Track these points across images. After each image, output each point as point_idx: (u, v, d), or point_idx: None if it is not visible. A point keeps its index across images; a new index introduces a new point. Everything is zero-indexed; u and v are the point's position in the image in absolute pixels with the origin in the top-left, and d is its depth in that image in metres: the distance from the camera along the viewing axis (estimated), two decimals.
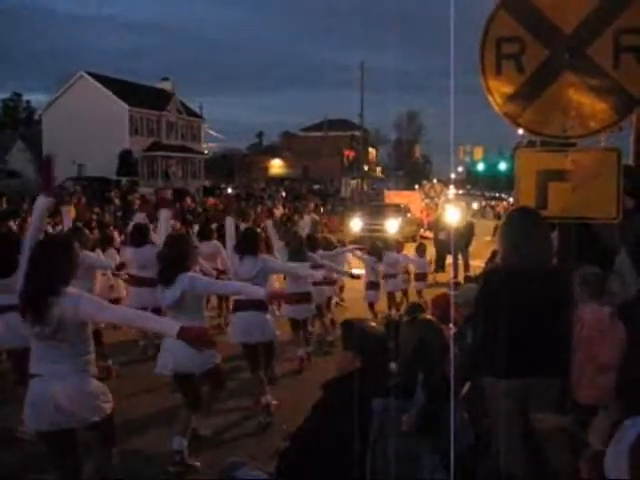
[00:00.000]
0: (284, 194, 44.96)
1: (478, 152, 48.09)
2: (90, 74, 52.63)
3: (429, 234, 26.83)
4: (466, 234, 18.76)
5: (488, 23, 4.52)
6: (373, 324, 3.63)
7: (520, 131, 6.89)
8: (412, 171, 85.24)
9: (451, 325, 4.68)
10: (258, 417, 6.96)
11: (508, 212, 5.24)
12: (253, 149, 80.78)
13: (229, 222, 7.79)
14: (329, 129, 68.22)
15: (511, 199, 34.82)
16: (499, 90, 4.54)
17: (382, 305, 12.48)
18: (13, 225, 17.16)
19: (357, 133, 63.25)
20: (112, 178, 41.79)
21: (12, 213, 20.96)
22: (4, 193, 25.92)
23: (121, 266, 10.16)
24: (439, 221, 21.47)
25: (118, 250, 11.46)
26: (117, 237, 14.73)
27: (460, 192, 59.64)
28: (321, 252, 10.63)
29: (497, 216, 42.52)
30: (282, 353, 9.29)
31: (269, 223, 10.39)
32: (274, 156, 73.54)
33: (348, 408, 2.93)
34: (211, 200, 33.08)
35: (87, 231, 9.54)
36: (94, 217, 22.59)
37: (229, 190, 42.86)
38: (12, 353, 6.54)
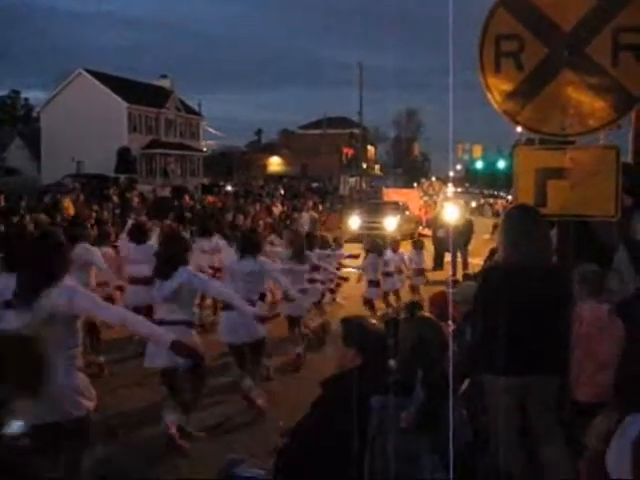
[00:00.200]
0: (283, 192, 44.90)
1: (477, 150, 48.08)
2: (88, 71, 52.52)
3: (428, 232, 26.81)
4: (465, 232, 18.74)
5: (487, 20, 4.52)
6: (373, 321, 3.63)
7: (519, 129, 6.89)
8: (411, 169, 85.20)
9: (450, 322, 4.68)
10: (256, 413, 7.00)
11: (507, 210, 5.24)
12: (252, 147, 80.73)
13: None
14: (328, 127, 68.18)
15: (509, 197, 34.85)
16: (498, 88, 4.54)
17: (377, 303, 12.48)
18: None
19: (356, 131, 63.17)
20: (110, 175, 41.72)
21: (10, 211, 20.95)
22: (2, 191, 25.88)
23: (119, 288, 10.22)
24: (438, 219, 21.46)
25: (115, 247, 11.46)
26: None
27: (459, 190, 59.64)
28: (317, 251, 10.73)
29: (495, 214, 42.55)
30: (279, 350, 9.31)
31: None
32: (273, 154, 73.48)
33: (348, 406, 2.93)
34: (210, 198, 33.04)
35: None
36: (92, 214, 22.58)
37: (228, 188, 42.83)
38: None
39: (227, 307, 7.31)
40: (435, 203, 35.03)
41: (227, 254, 10.21)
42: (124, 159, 48.31)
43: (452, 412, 2.83)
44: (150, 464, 5.90)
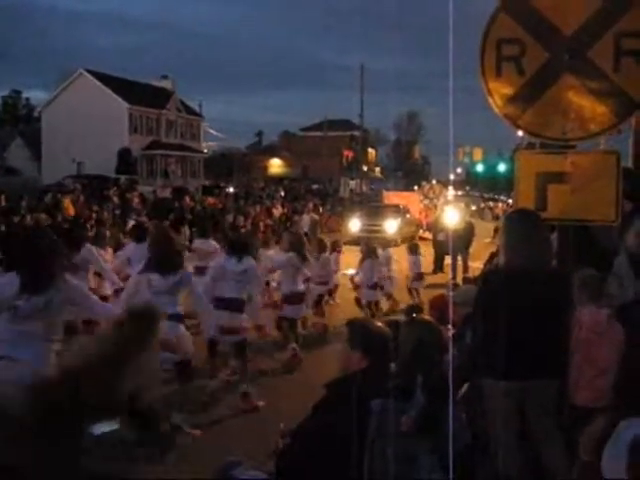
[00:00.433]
0: (283, 194, 44.94)
1: (477, 153, 48.11)
2: (90, 72, 52.56)
3: (428, 235, 26.80)
4: (466, 235, 18.72)
5: (488, 25, 4.53)
6: (379, 324, 3.60)
7: (520, 133, 6.89)
8: (411, 172, 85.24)
9: (449, 326, 4.68)
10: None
11: (508, 214, 5.25)
12: (252, 148, 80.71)
13: None
14: (329, 129, 68.17)
15: (510, 200, 34.83)
16: (499, 92, 4.55)
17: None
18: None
19: (357, 133, 63.22)
20: (111, 176, 41.73)
21: (11, 210, 20.96)
22: (3, 190, 25.88)
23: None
24: (438, 222, 21.46)
25: (114, 249, 11.57)
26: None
27: (459, 193, 59.62)
28: (314, 255, 10.88)
29: (496, 217, 42.52)
30: (277, 351, 9.36)
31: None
32: (273, 155, 73.52)
33: (352, 408, 2.92)
34: (210, 199, 33.05)
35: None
36: (93, 215, 22.60)
37: (230, 189, 42.84)
38: None
39: (215, 306, 7.44)
40: (435, 206, 35.00)
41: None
42: (125, 160, 48.33)
43: (451, 416, 2.83)
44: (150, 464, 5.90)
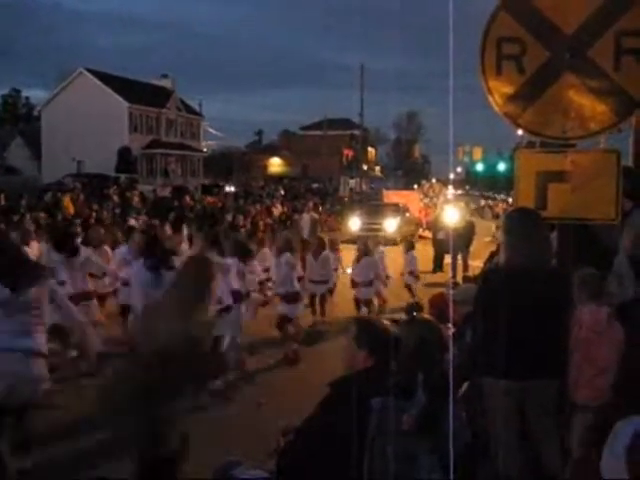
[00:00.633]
0: (283, 193, 44.96)
1: (477, 152, 48.16)
2: (90, 71, 52.55)
3: (428, 234, 26.81)
4: (466, 234, 18.72)
5: (489, 23, 4.52)
6: (387, 322, 3.58)
7: (520, 132, 6.89)
8: (411, 171, 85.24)
9: (449, 325, 4.67)
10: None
11: (508, 213, 5.25)
12: (252, 147, 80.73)
13: None
14: (329, 128, 68.20)
15: (510, 199, 34.81)
16: (499, 90, 4.54)
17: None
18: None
19: (357, 132, 63.20)
20: (111, 175, 41.78)
21: (11, 210, 20.96)
22: (3, 190, 25.90)
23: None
24: (438, 221, 21.46)
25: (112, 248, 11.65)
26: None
27: (459, 192, 59.64)
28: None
29: (496, 216, 42.55)
30: (275, 349, 9.39)
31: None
32: (273, 154, 73.51)
33: (357, 408, 2.91)
34: (210, 198, 33.06)
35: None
36: (92, 213, 22.60)
37: (231, 188, 42.86)
38: None
39: None
40: (435, 205, 35.02)
41: None
42: (125, 159, 48.34)
43: (452, 414, 2.83)
44: None
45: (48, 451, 5.63)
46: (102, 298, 10.84)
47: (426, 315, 4.35)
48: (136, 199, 27.94)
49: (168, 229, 14.17)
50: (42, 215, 19.00)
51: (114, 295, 10.83)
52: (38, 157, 54.60)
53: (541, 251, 4.10)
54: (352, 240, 21.33)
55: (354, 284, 12.31)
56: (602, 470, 2.44)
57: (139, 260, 7.51)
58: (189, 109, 60.91)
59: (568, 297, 4.18)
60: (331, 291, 13.01)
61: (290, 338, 9.50)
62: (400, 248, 15.67)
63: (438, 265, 19.37)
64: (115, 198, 27.85)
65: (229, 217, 26.07)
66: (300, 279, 10.90)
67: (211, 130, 66.67)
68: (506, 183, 50.81)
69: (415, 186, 52.24)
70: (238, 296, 8.25)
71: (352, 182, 64.05)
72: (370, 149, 76.78)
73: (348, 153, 68.92)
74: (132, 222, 18.07)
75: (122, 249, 10.40)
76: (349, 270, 12.82)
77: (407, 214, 31.15)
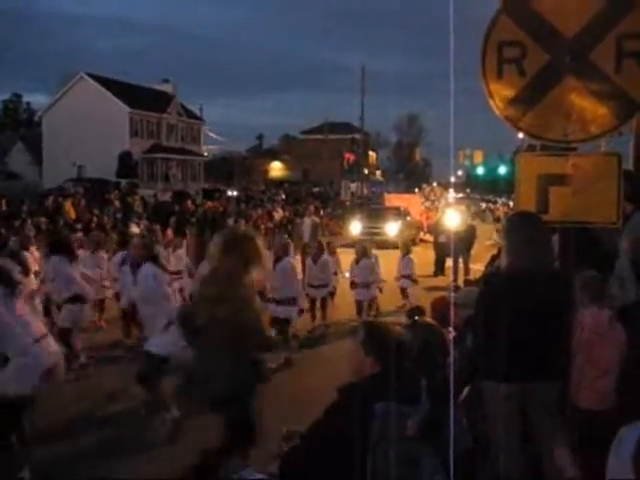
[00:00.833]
0: (284, 197, 44.96)
1: (478, 156, 48.21)
2: (90, 75, 52.62)
3: (429, 237, 26.79)
4: (467, 237, 18.69)
5: (490, 27, 4.53)
6: (396, 328, 3.56)
7: (520, 135, 6.89)
8: (412, 174, 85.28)
9: (450, 329, 4.67)
10: None
11: (509, 216, 5.25)
12: (253, 152, 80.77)
13: None
14: (329, 132, 68.16)
15: (511, 203, 34.78)
16: (500, 94, 4.55)
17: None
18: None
19: (357, 136, 63.17)
20: (112, 180, 41.78)
21: (12, 215, 20.97)
22: (4, 195, 25.92)
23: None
24: (439, 224, 21.45)
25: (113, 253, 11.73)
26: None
27: (460, 196, 59.61)
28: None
29: (497, 220, 42.52)
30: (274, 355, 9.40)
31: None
32: (274, 159, 73.56)
33: (358, 412, 2.91)
34: (210, 203, 33.04)
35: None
36: (94, 218, 22.61)
37: (234, 193, 42.85)
38: None
39: None
40: (436, 208, 35.00)
41: None
42: (125, 163, 48.38)
43: (453, 419, 2.82)
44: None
45: (48, 450, 5.64)
46: (101, 302, 10.96)
47: (428, 319, 4.35)
48: (137, 204, 27.93)
49: (170, 233, 14.21)
50: (43, 220, 19.00)
51: (116, 299, 10.87)
52: (39, 162, 54.65)
53: (542, 254, 4.09)
54: (352, 244, 21.34)
55: (354, 285, 12.33)
56: (608, 474, 2.43)
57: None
58: (190, 114, 60.98)
59: (570, 300, 4.18)
60: (332, 294, 13.04)
61: (284, 340, 9.52)
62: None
63: (439, 269, 19.35)
64: (116, 203, 27.84)
65: (231, 221, 26.06)
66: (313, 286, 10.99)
67: (212, 134, 66.77)
68: (507, 186, 50.86)
69: (416, 190, 52.21)
70: None
71: (353, 186, 64.01)
72: (371, 153, 76.78)
73: (349, 157, 68.87)
74: (133, 227, 18.06)
75: (121, 254, 10.43)
76: (347, 274, 12.84)
77: (408, 218, 31.14)
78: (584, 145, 4.66)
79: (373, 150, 79.80)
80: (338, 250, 14.28)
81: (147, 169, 53.29)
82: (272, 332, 9.50)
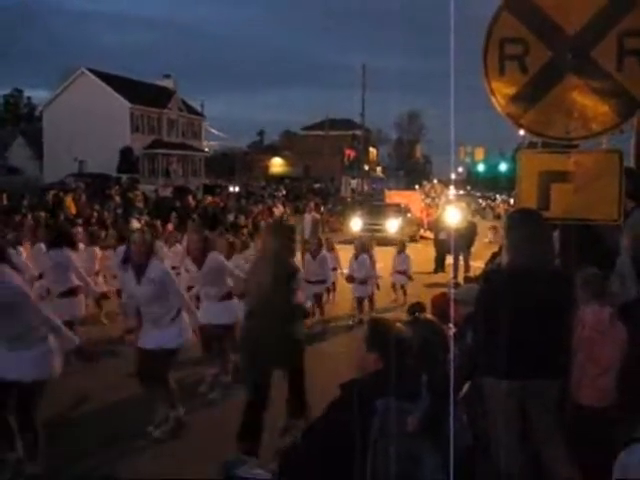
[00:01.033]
0: (284, 193, 44.96)
1: (479, 153, 48.16)
2: (91, 71, 52.55)
3: (429, 234, 26.80)
4: (467, 234, 18.69)
5: (491, 24, 4.52)
6: (399, 325, 3.55)
7: (522, 132, 6.88)
8: (412, 171, 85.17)
9: (451, 325, 4.67)
10: None
11: (510, 213, 5.24)
12: (254, 147, 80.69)
13: None
14: (330, 128, 68.11)
15: (511, 200, 34.74)
16: (502, 91, 4.54)
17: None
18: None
19: (358, 132, 63.14)
20: (113, 175, 41.79)
21: (12, 209, 20.97)
22: (4, 189, 25.91)
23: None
24: (439, 221, 21.45)
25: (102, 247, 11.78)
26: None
27: (460, 192, 59.59)
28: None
29: (497, 217, 42.51)
30: None
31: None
32: (275, 155, 73.52)
33: (359, 408, 2.91)
34: (211, 199, 33.04)
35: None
36: (94, 213, 22.62)
37: (236, 188, 42.84)
38: None
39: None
40: (437, 205, 34.99)
41: None
42: (126, 159, 48.37)
43: (453, 415, 2.82)
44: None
45: (48, 450, 5.63)
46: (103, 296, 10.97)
47: (428, 315, 4.34)
48: (138, 199, 27.91)
49: (171, 227, 14.21)
50: (44, 215, 19.01)
51: (117, 296, 10.87)
52: (40, 157, 54.62)
53: (543, 251, 4.09)
54: (352, 241, 21.35)
55: (351, 279, 12.34)
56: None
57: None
58: (191, 109, 60.93)
59: (570, 297, 4.18)
60: (329, 291, 13.06)
61: None
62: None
63: (440, 265, 19.36)
64: (117, 198, 27.83)
65: (231, 217, 26.08)
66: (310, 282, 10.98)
67: (213, 130, 66.71)
68: (507, 183, 50.78)
69: (416, 186, 52.18)
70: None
71: (354, 182, 64.00)
72: (372, 149, 76.75)
73: (350, 153, 68.84)
74: (134, 222, 18.07)
75: (122, 249, 10.41)
76: (346, 270, 12.85)
77: (409, 214, 31.14)
78: (585, 142, 4.66)
79: (374, 147, 79.77)
80: (338, 246, 14.30)
81: (148, 164, 53.26)
82: None
